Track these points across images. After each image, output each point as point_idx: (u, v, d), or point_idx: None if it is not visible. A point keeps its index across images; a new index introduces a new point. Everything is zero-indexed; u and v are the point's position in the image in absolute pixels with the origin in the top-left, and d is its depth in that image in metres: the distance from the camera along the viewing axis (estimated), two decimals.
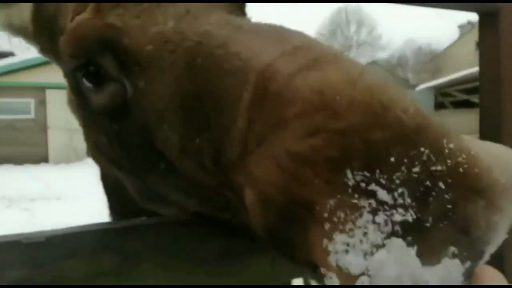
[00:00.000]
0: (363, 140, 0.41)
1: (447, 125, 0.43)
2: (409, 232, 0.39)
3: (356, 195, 0.39)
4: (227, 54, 0.58)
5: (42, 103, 13.21)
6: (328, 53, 0.52)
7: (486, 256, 0.42)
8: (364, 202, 0.39)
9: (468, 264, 0.40)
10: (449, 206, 0.39)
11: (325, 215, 0.41)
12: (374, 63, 41.43)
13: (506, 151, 0.48)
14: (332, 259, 0.40)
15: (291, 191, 0.44)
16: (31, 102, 13.31)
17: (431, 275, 0.38)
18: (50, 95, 12.92)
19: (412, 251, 0.38)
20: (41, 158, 13.21)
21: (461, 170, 0.40)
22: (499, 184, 0.41)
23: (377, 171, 0.40)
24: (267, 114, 0.49)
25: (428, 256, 0.38)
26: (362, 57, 43.13)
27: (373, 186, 0.39)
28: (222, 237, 0.76)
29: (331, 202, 0.40)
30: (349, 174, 0.40)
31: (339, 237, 0.39)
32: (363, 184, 0.40)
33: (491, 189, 0.40)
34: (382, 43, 45.41)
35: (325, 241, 0.41)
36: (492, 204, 0.40)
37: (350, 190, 0.40)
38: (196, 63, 0.59)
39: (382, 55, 44.37)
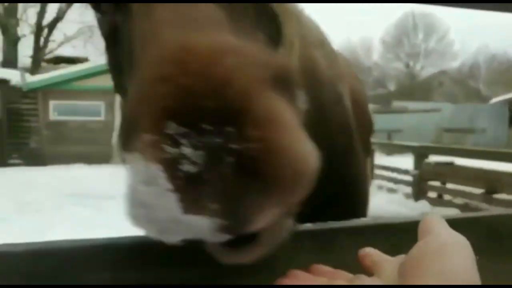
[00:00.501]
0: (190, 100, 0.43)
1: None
2: (187, 182, 0.42)
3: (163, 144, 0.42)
4: None
5: (111, 106, 13.89)
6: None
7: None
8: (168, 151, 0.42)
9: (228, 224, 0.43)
10: (228, 170, 0.42)
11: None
12: (443, 73, 39.37)
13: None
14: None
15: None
16: (101, 105, 14.04)
17: (194, 224, 0.42)
18: (119, 98, 13.55)
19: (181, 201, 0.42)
20: (108, 157, 13.87)
21: (258, 143, 0.42)
22: (287, 175, 0.43)
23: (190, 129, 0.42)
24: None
25: (194, 208, 0.42)
26: (431, 67, 41.21)
27: (182, 140, 0.42)
28: None
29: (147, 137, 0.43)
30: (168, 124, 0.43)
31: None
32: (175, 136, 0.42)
33: (278, 175, 0.42)
34: (454, 50, 42.94)
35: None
36: (268, 189, 0.43)
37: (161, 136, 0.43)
38: None
39: (453, 64, 42.04)
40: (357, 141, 1.52)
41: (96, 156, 13.68)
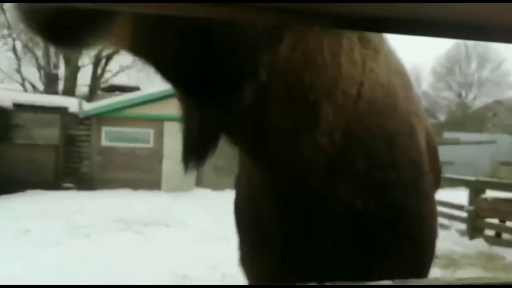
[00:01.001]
0: None
1: None
2: None
3: None
4: None
5: (160, 134, 14.29)
6: None
7: None
8: None
9: None
10: None
11: None
12: (498, 103, 37.66)
13: None
14: None
15: None
16: (150, 132, 14.48)
17: None
18: (168, 126, 13.92)
19: None
20: (155, 185, 14.16)
21: None
22: None
23: None
24: None
25: None
26: (485, 96, 39.58)
27: None
28: None
29: None
30: None
31: None
32: None
33: None
34: (510, 80, 41.07)
35: None
36: None
37: None
38: None
39: (509, 94, 40.14)
40: (428, 182, 1.43)
41: (143, 183, 14.02)
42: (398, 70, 1.49)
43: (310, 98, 1.20)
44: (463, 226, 7.88)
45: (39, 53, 20.09)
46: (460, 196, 8.70)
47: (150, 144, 14.56)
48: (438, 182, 1.89)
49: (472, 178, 8.36)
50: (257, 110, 1.17)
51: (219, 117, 1.12)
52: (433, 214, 1.50)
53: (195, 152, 1.16)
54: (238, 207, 1.66)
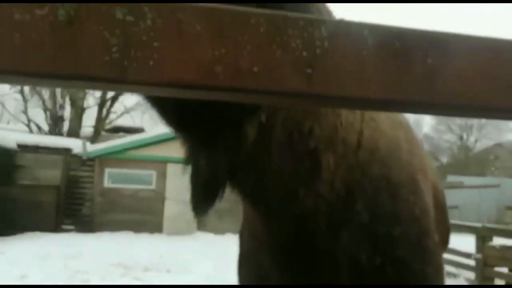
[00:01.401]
0: None
1: None
2: None
3: None
4: None
5: (162, 176, 14.25)
6: None
7: None
8: None
9: None
10: None
11: None
12: (499, 145, 37.75)
13: None
14: None
15: None
16: (153, 174, 14.44)
17: None
18: (170, 168, 13.90)
19: None
20: (157, 227, 13.95)
21: None
22: None
23: None
24: None
25: None
26: (486, 139, 39.70)
27: None
28: None
29: None
30: None
31: None
32: None
33: None
34: (509, 123, 41.35)
35: None
36: None
37: None
38: None
39: (509, 137, 40.29)
40: (434, 241, 1.39)
41: (145, 225, 13.82)
42: (400, 124, 1.49)
43: (310, 146, 1.20)
44: (471, 275, 7.66)
45: (46, 95, 20.41)
46: (466, 242, 8.52)
47: (153, 186, 14.48)
48: (447, 241, 1.85)
49: (479, 225, 8.21)
50: (258, 155, 1.17)
51: (225, 159, 1.11)
52: (439, 273, 1.46)
53: (205, 196, 1.15)
54: (241, 260, 1.63)
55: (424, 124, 43.41)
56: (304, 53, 0.53)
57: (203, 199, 1.14)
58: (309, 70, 0.53)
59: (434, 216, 1.46)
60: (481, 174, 31.06)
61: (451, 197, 18.53)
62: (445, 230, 1.80)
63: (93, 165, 14.28)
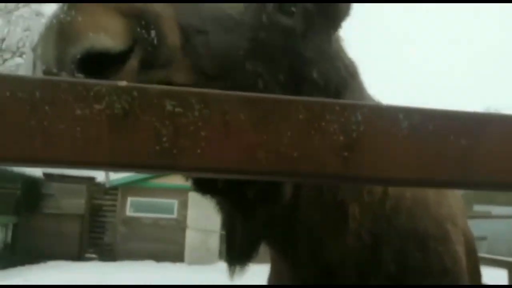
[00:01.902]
0: None
1: None
2: None
3: None
4: None
5: (184, 204, 14.30)
6: None
7: None
8: None
9: None
10: None
11: None
12: None
13: None
14: None
15: None
16: (175, 202, 14.52)
17: None
18: (192, 197, 13.96)
19: None
20: (178, 256, 13.91)
21: None
22: None
23: None
24: None
25: None
26: None
27: None
28: None
29: None
30: None
31: None
32: None
33: None
34: None
35: None
36: None
37: None
38: None
39: None
40: None
41: (166, 254, 13.81)
42: None
43: (338, 197, 1.21)
44: None
45: None
46: (497, 277, 8.19)
47: (174, 215, 14.53)
48: None
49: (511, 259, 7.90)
50: (289, 210, 1.18)
51: (262, 222, 1.13)
52: None
53: (240, 256, 1.17)
54: None
55: None
56: (341, 137, 0.55)
57: (238, 259, 1.17)
58: (346, 153, 0.55)
59: (466, 264, 1.43)
60: (510, 204, 30.05)
61: (479, 228, 17.91)
62: (478, 278, 1.76)
63: (115, 194, 14.48)
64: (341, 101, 0.57)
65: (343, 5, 1.16)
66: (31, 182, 13.13)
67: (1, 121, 0.49)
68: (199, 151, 0.52)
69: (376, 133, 0.56)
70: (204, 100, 0.53)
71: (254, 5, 1.02)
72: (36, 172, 13.49)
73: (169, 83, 0.78)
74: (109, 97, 0.51)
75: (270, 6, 1.03)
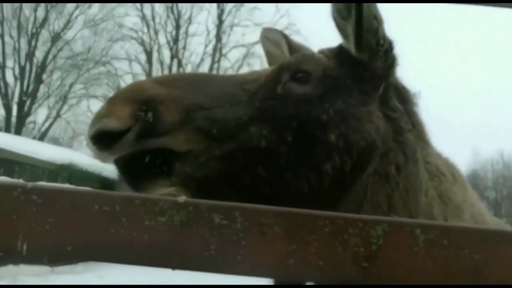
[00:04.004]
0: None
1: None
2: None
3: None
4: None
5: None
6: None
7: None
8: None
9: None
10: None
11: None
12: None
13: None
14: None
15: None
16: None
17: None
18: None
19: None
20: None
21: None
22: None
23: None
24: None
25: None
26: None
27: None
28: None
29: None
30: None
31: None
32: None
33: None
34: None
35: None
36: None
37: None
38: None
39: None
40: None
41: None
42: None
43: None
44: None
45: None
46: None
47: None
48: None
49: None
50: None
51: None
52: None
53: None
54: None
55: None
56: (362, 249, 0.64)
57: None
58: (366, 264, 0.64)
59: None
60: None
61: None
62: None
63: None
64: (363, 216, 0.66)
65: (379, 67, 1.16)
66: (108, 183, 14.11)
67: (89, 228, 0.64)
68: (239, 257, 0.64)
69: (394, 247, 0.64)
70: (245, 214, 0.65)
71: (273, 76, 1.12)
72: (113, 173, 14.46)
73: (169, 149, 1.02)
74: (170, 211, 0.65)
75: (286, 76, 1.11)
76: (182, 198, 0.65)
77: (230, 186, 1.04)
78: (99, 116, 0.98)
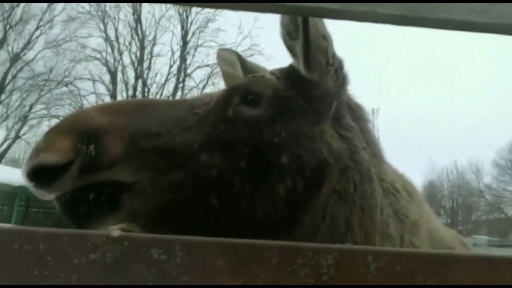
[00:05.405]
0: None
1: None
2: None
3: None
4: None
5: None
6: None
7: None
8: None
9: None
10: None
11: None
12: None
13: None
14: None
15: None
16: None
17: None
18: None
19: None
20: None
21: None
22: None
23: None
24: None
25: None
26: None
27: None
28: None
29: None
30: None
31: None
32: None
33: None
34: None
35: None
36: None
37: None
38: None
39: None
40: None
41: None
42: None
43: None
44: None
45: None
46: None
47: None
48: None
49: None
50: None
51: None
52: None
53: None
54: None
55: (484, 174, 41.08)
56: (312, 280, 0.60)
57: None
58: None
59: None
60: None
61: None
62: None
63: None
64: (313, 245, 0.62)
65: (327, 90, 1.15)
66: None
67: (8, 271, 0.57)
68: None
69: (346, 276, 0.60)
70: (186, 247, 0.60)
71: (223, 99, 1.08)
72: None
73: (116, 181, 0.95)
74: (103, 247, 0.59)
75: (237, 98, 1.08)
76: (117, 232, 0.60)
77: (182, 217, 0.98)
78: (37, 150, 0.90)
